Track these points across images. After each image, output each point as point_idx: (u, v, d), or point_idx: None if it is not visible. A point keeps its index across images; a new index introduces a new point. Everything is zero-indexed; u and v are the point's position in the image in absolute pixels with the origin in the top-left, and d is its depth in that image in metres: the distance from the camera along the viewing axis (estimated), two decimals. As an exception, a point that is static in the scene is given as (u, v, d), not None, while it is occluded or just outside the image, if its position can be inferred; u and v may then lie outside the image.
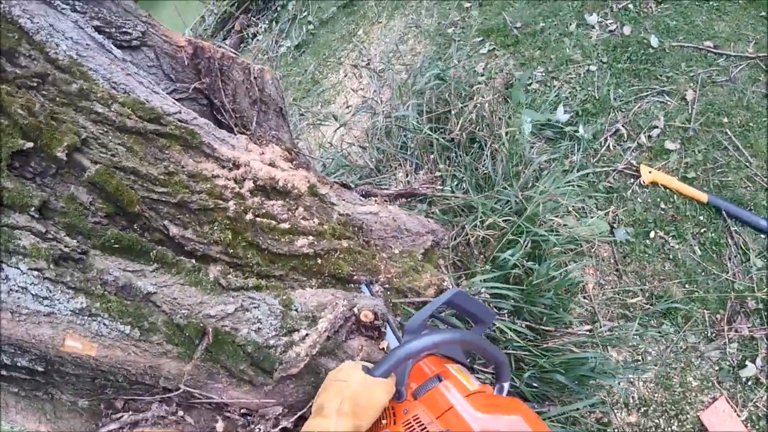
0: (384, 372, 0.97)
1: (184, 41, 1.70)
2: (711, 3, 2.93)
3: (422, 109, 2.66)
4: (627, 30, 2.97)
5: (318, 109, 3.92)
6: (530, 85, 2.98)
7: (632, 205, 2.44)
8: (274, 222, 1.41)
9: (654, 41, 2.85)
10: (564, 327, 2.03)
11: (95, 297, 0.98)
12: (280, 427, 1.20)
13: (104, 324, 0.98)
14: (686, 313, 2.14)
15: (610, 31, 3.02)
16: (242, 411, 1.19)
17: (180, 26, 5.36)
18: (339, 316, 1.30)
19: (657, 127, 2.60)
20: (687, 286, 2.21)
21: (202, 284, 1.15)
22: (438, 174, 2.42)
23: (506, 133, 2.38)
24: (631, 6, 3.07)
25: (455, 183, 2.41)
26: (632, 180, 2.51)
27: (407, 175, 2.50)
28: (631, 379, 2.07)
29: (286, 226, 1.44)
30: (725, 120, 2.52)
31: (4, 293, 0.90)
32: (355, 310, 1.35)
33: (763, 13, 2.78)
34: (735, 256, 2.22)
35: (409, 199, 2.32)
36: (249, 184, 1.41)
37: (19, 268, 0.91)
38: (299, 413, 1.24)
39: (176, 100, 1.51)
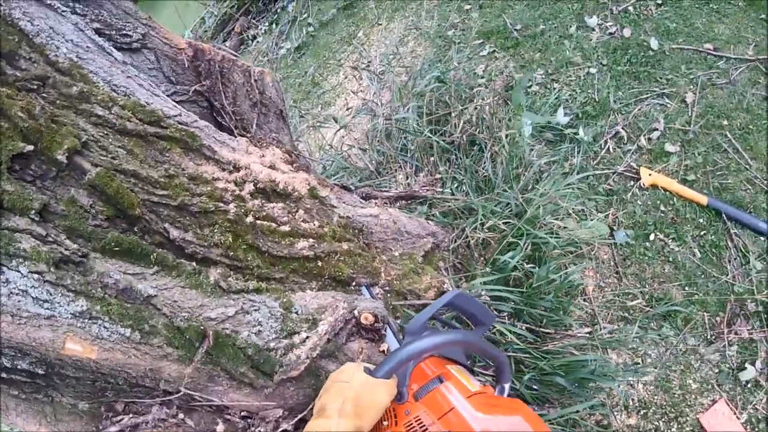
0: (386, 373, 0.97)
1: (184, 44, 1.70)
2: (711, 5, 2.93)
3: (422, 111, 2.66)
4: (627, 32, 2.97)
5: (318, 111, 3.92)
6: (530, 87, 2.98)
7: (632, 208, 2.44)
8: (274, 225, 1.41)
9: (654, 44, 2.86)
10: (564, 329, 2.03)
11: (96, 300, 0.98)
12: (280, 429, 1.20)
13: (105, 327, 0.98)
14: (686, 315, 2.14)
15: (610, 33, 3.02)
16: (242, 413, 1.19)
17: (180, 28, 5.37)
18: (339, 319, 1.30)
19: (657, 129, 2.60)
20: (687, 288, 2.21)
21: (202, 287, 1.15)
22: (438, 176, 2.42)
23: (506, 136, 2.38)
24: (631, 8, 3.07)
25: (455, 185, 2.41)
26: (632, 182, 2.51)
27: (407, 178, 2.50)
28: (631, 382, 2.07)
29: (286, 228, 1.44)
30: (725, 122, 2.52)
31: (4, 296, 0.90)
32: (356, 312, 1.35)
33: (763, 16, 2.79)
34: (735, 259, 2.22)
35: (409, 202, 2.33)
36: (249, 187, 1.41)
37: (19, 271, 0.91)
38: (299, 416, 1.24)
39: (177, 102, 1.51)
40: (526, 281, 2.00)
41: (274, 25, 5.05)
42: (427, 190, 2.33)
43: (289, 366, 1.18)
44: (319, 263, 1.50)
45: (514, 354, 1.86)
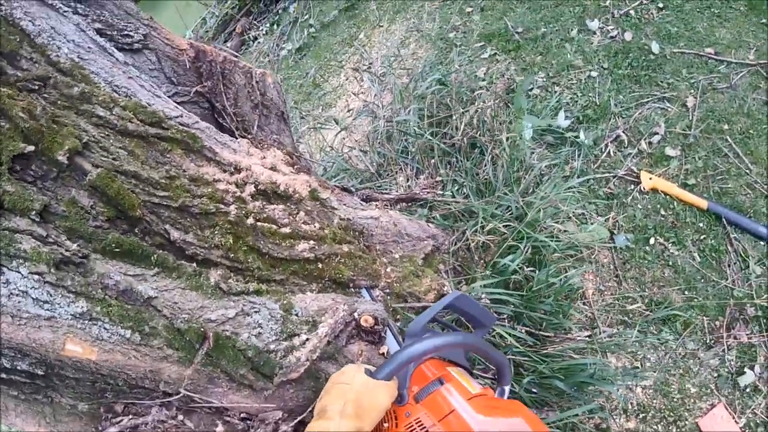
0: (386, 375, 0.97)
1: (186, 44, 1.70)
2: (712, 10, 2.94)
3: (423, 113, 2.66)
4: (628, 36, 2.98)
5: (319, 112, 3.92)
6: (531, 90, 2.98)
7: (632, 212, 2.44)
8: (275, 226, 1.41)
9: (655, 47, 2.86)
10: (563, 333, 2.02)
11: (96, 301, 0.98)
12: (279, 431, 1.20)
13: (105, 328, 0.98)
14: (685, 319, 2.14)
15: (612, 37, 3.02)
16: (242, 415, 1.19)
17: (181, 28, 5.38)
18: (339, 321, 1.30)
19: (657, 133, 2.61)
20: (686, 292, 2.21)
21: (202, 289, 1.15)
22: (439, 179, 2.42)
23: (507, 139, 2.38)
24: (632, 12, 3.08)
25: (456, 188, 2.41)
26: (632, 186, 2.52)
27: (408, 180, 2.50)
28: (630, 386, 2.07)
29: (287, 230, 1.43)
30: (726, 127, 2.53)
31: (4, 297, 0.90)
32: (356, 314, 1.35)
33: (764, 20, 2.79)
34: (734, 263, 2.22)
35: (409, 204, 2.32)
36: (250, 189, 1.41)
37: (19, 272, 0.91)
38: (299, 418, 1.24)
39: (178, 103, 1.51)
40: (526, 284, 2.00)
41: (275, 26, 5.05)
42: (428, 192, 2.33)
43: (288, 368, 1.18)
44: (320, 265, 1.50)
45: (514, 357, 1.86)
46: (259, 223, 1.37)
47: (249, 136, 1.74)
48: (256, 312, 1.19)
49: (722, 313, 2.13)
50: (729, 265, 2.22)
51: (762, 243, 2.23)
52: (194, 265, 1.20)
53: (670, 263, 2.29)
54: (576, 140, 2.65)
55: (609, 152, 2.63)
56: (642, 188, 2.47)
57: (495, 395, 1.10)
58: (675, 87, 2.72)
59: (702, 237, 2.31)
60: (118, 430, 1.06)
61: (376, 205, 2.02)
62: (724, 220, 2.29)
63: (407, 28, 3.94)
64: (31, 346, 0.94)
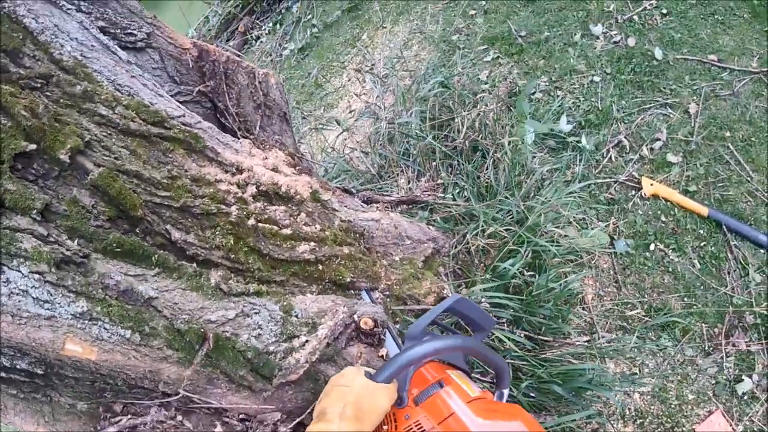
0: (386, 377, 0.98)
1: (189, 43, 1.70)
2: (716, 17, 2.94)
3: (425, 115, 2.66)
4: (631, 41, 2.98)
5: (321, 113, 3.92)
6: (534, 94, 2.98)
7: (633, 217, 2.44)
8: (276, 227, 1.41)
9: (658, 53, 2.86)
10: (562, 338, 2.02)
11: (96, 301, 0.98)
12: (277, 433, 1.20)
13: (105, 328, 0.98)
14: (684, 326, 2.14)
15: (615, 42, 3.02)
16: (241, 416, 1.19)
17: (184, 26, 5.38)
18: (339, 323, 1.30)
19: (659, 139, 2.61)
20: (686, 299, 2.21)
21: (203, 289, 1.15)
22: (440, 182, 2.42)
23: (509, 143, 2.38)
24: (636, 18, 3.08)
25: (457, 191, 2.41)
26: (633, 192, 2.52)
27: (409, 182, 2.50)
28: (628, 391, 2.07)
29: (288, 231, 1.43)
30: (727, 134, 2.53)
31: (4, 296, 0.90)
32: (355, 317, 1.35)
33: (767, 29, 2.79)
34: (734, 271, 2.22)
35: (410, 206, 2.32)
36: (252, 189, 1.41)
37: (20, 271, 0.91)
38: (298, 419, 1.24)
39: (180, 102, 1.51)
40: (526, 289, 2.00)
41: (278, 26, 5.05)
42: (429, 195, 2.33)
43: (288, 370, 1.18)
44: (320, 267, 1.50)
45: (513, 361, 1.86)
46: (260, 224, 1.37)
47: (251, 137, 1.74)
48: (256, 313, 1.19)
49: (721, 320, 2.13)
50: (729, 273, 2.22)
51: (762, 251, 2.23)
52: (195, 265, 1.19)
53: (670, 269, 2.29)
54: (578, 145, 2.65)
55: (610, 157, 2.63)
56: (643, 194, 2.47)
57: (494, 399, 1.10)
58: (677, 93, 2.72)
59: (702, 244, 2.31)
60: (116, 430, 1.06)
61: (377, 207, 2.02)
62: (724, 227, 2.29)
63: (410, 29, 3.94)
64: (30, 346, 0.94)
